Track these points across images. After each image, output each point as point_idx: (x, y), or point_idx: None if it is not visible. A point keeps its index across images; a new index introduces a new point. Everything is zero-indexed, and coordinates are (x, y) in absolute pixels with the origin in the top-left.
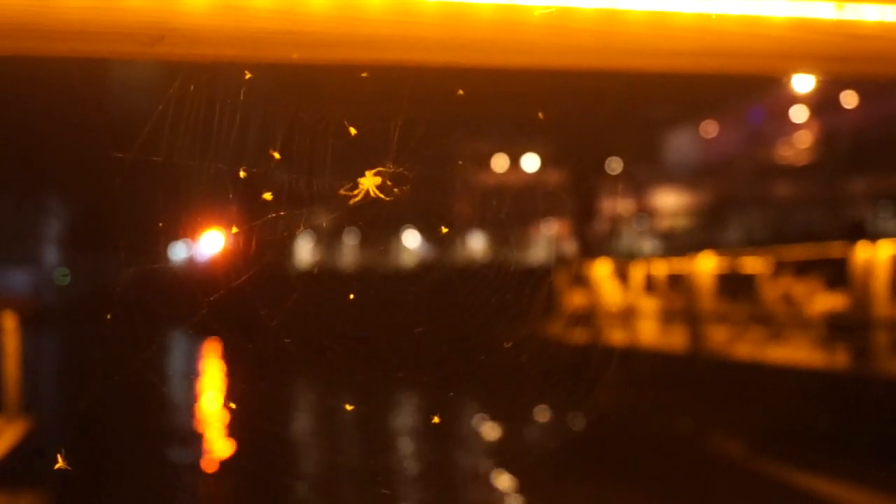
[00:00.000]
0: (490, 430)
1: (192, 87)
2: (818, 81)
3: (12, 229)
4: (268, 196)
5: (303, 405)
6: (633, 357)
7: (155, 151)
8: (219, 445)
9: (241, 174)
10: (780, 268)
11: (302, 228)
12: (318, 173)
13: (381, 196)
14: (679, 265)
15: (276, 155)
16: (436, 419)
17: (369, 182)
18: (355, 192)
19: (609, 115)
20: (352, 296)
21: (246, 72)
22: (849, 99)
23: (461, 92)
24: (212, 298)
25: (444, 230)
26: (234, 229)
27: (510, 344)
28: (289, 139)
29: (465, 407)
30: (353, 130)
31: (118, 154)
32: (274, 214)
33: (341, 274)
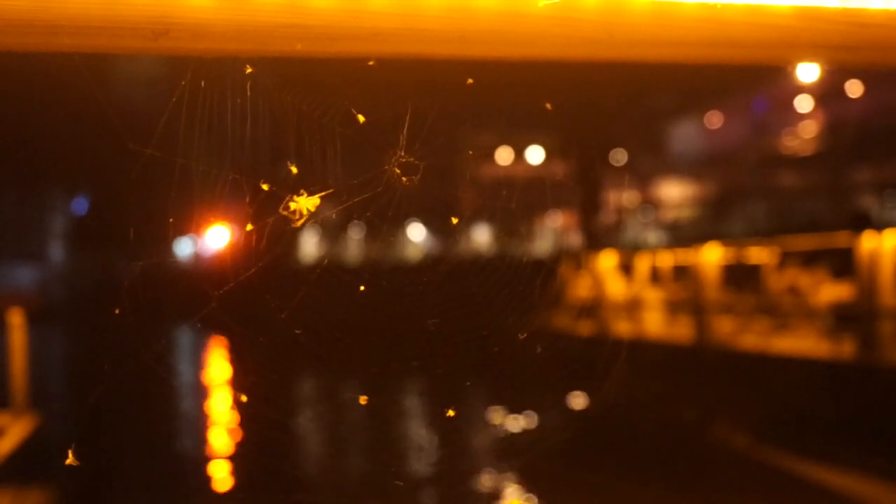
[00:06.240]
0: (501, 421)
1: (196, 81)
2: (823, 70)
3: (18, 225)
4: (290, 208)
5: (315, 398)
6: (640, 348)
7: (160, 147)
8: (229, 439)
9: (264, 187)
10: (786, 258)
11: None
12: (328, 164)
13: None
14: (684, 256)
15: (294, 169)
16: (451, 412)
17: (304, 203)
18: (293, 214)
19: (613, 105)
20: (363, 287)
21: (247, 66)
22: (854, 88)
23: (470, 81)
24: (220, 292)
25: (455, 221)
26: (249, 227)
27: (525, 336)
28: (296, 132)
29: (478, 398)
30: (361, 118)
31: (125, 149)
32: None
33: (351, 266)
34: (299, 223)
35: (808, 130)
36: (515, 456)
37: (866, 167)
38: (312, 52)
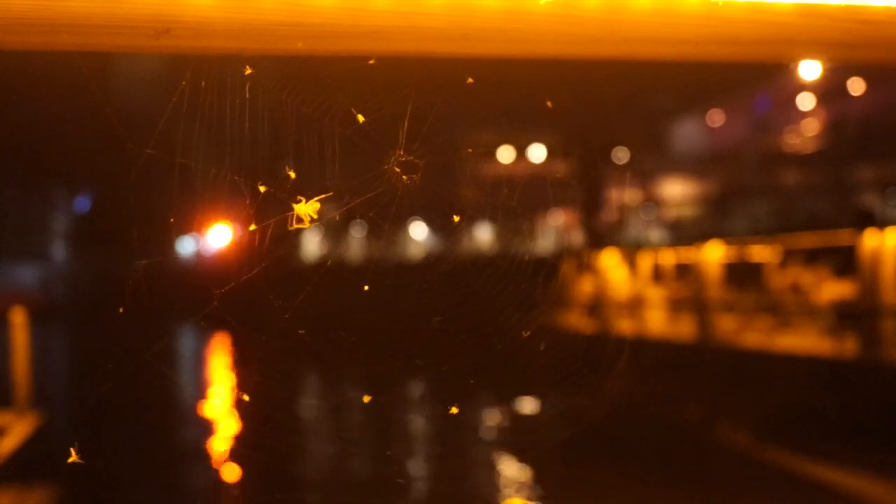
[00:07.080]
0: (503, 419)
1: (196, 79)
2: (825, 68)
3: (20, 224)
4: (304, 211)
5: (319, 396)
6: (642, 346)
7: (162, 146)
8: (231, 438)
9: (261, 189)
10: (788, 256)
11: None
12: (328, 164)
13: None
14: (686, 254)
15: (292, 174)
16: (454, 410)
17: (305, 209)
18: (298, 221)
19: (615, 104)
20: (367, 287)
21: (247, 67)
22: (856, 85)
23: (471, 80)
24: (223, 291)
25: (456, 219)
26: (253, 226)
27: (528, 333)
28: (297, 132)
29: (481, 396)
30: (360, 118)
31: (129, 147)
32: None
33: (354, 265)
34: (307, 226)
35: (811, 128)
36: (517, 454)
37: (869, 165)
38: (314, 50)
